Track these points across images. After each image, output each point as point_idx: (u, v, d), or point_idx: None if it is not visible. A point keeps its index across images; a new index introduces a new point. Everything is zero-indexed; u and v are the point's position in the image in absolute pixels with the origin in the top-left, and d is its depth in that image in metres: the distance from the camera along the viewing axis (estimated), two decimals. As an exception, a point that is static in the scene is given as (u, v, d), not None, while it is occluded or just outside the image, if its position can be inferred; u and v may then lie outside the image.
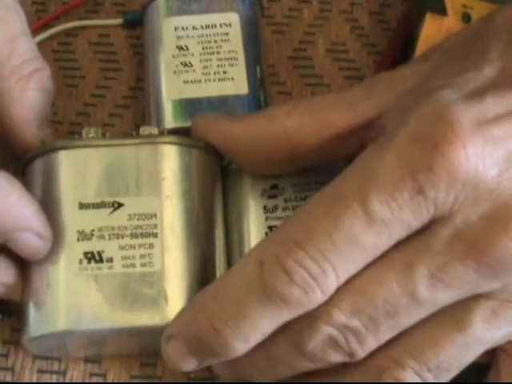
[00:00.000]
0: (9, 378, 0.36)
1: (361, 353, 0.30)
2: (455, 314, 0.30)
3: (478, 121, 0.28)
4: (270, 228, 0.35)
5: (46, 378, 0.36)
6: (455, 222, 0.28)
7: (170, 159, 0.34)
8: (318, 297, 0.29)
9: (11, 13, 0.36)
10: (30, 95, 0.35)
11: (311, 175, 0.36)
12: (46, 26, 0.45)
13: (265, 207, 0.36)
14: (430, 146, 0.28)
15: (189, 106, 0.39)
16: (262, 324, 0.29)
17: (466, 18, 0.39)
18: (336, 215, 0.28)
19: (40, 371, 0.36)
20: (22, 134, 0.35)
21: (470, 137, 0.28)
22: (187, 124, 0.37)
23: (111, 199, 0.33)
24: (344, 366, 0.31)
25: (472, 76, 0.30)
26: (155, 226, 0.32)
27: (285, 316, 0.29)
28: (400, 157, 0.28)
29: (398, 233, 0.28)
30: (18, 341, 0.35)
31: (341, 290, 0.29)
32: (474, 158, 0.27)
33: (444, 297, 0.29)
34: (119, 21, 0.45)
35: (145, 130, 0.34)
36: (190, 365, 0.31)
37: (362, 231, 0.28)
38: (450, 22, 0.39)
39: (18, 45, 0.36)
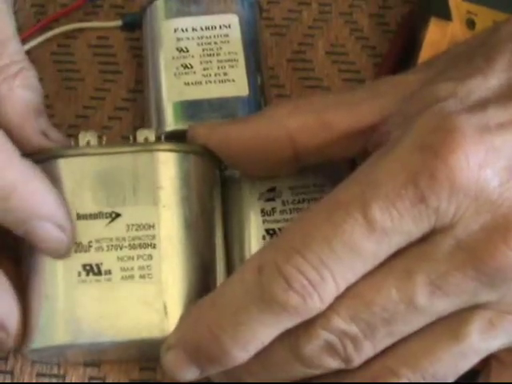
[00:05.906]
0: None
1: (357, 359, 0.30)
2: (452, 325, 0.30)
3: (480, 129, 0.28)
4: (268, 231, 0.35)
5: (45, 381, 0.36)
6: (456, 232, 0.28)
7: (167, 167, 0.33)
8: (317, 304, 0.28)
9: (2, 15, 0.36)
10: (17, 92, 0.35)
11: (309, 178, 0.36)
12: (45, 28, 0.44)
13: (262, 210, 0.36)
14: (432, 154, 0.27)
15: (189, 108, 0.38)
16: (261, 331, 0.29)
17: (471, 23, 0.39)
18: (336, 222, 0.28)
19: (39, 375, 0.36)
20: (20, 129, 0.35)
21: (472, 146, 0.27)
22: (188, 126, 0.36)
23: (109, 209, 0.32)
24: (339, 374, 0.31)
25: (476, 85, 0.29)
26: (153, 236, 0.32)
27: (283, 324, 0.29)
28: (402, 165, 0.28)
29: (398, 241, 0.28)
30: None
31: (339, 296, 0.29)
32: (475, 167, 0.27)
33: (442, 305, 0.29)
34: (118, 23, 0.45)
35: (142, 134, 0.34)
36: (190, 374, 0.31)
37: (362, 239, 0.28)
38: (455, 28, 0.38)
39: (8, 47, 0.36)
